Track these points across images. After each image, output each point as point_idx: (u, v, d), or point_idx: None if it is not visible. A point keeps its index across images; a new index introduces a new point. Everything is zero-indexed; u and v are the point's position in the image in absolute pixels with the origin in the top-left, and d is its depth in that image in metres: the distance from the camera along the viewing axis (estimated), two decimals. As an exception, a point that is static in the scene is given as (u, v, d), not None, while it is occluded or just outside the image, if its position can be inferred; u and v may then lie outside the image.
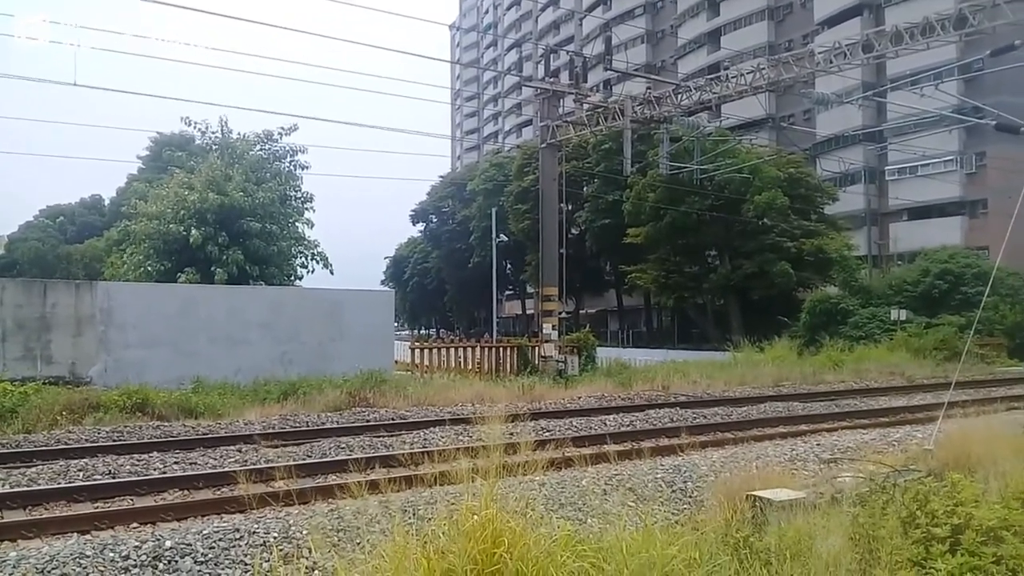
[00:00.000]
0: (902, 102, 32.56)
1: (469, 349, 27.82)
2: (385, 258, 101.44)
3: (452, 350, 27.69)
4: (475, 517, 4.32)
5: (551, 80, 27.71)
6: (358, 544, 5.33)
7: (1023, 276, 37.28)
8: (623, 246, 53.09)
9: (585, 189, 55.65)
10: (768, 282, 46.72)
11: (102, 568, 6.15)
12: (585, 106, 27.36)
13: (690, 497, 8.71)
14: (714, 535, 5.22)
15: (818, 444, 12.06)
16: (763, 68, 23.78)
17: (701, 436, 12.95)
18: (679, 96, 24.99)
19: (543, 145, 27.42)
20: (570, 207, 43.43)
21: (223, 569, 6.32)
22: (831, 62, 22.37)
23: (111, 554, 6.34)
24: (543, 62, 30.55)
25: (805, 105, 55.20)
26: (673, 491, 8.94)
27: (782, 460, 10.42)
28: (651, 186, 47.88)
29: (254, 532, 6.89)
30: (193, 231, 29.54)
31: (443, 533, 4.41)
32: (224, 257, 29.95)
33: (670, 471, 9.70)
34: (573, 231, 56.03)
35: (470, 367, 26.39)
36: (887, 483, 6.62)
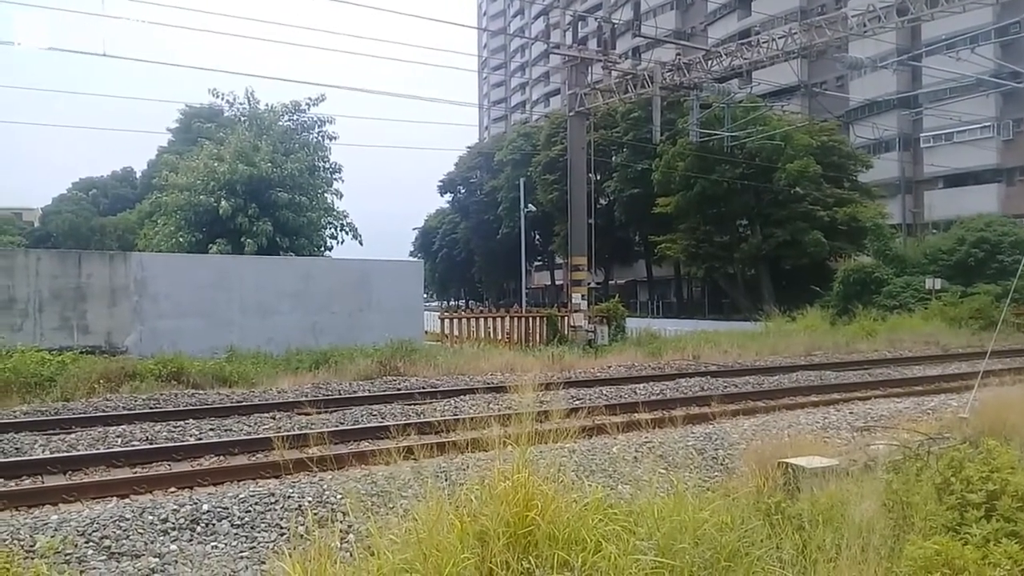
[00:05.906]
0: (938, 67, 31.92)
1: (498, 319, 27.78)
2: (414, 229, 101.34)
3: (482, 320, 27.69)
4: (507, 481, 4.35)
5: (579, 47, 27.44)
6: (391, 508, 5.39)
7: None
8: (652, 216, 52.78)
9: (614, 158, 55.29)
10: (800, 251, 46.34)
11: (141, 530, 6.27)
12: (614, 73, 27.03)
13: (721, 464, 8.71)
14: (746, 501, 5.22)
15: (851, 413, 11.98)
16: (795, 33, 23.37)
17: (732, 405, 12.88)
18: (709, 62, 24.63)
19: (571, 113, 27.20)
20: (598, 177, 43.16)
21: (259, 532, 6.42)
22: (865, 26, 21.94)
23: (150, 517, 6.47)
24: (571, 29, 30.35)
25: (838, 71, 54.30)
26: (704, 458, 8.94)
27: (814, 428, 10.37)
28: (681, 155, 47.47)
29: (289, 496, 6.99)
30: (223, 202, 29.75)
31: (476, 497, 4.44)
32: (254, 228, 30.15)
33: (701, 439, 9.70)
34: (602, 201, 55.78)
35: (499, 337, 26.39)
36: (921, 450, 6.58)
